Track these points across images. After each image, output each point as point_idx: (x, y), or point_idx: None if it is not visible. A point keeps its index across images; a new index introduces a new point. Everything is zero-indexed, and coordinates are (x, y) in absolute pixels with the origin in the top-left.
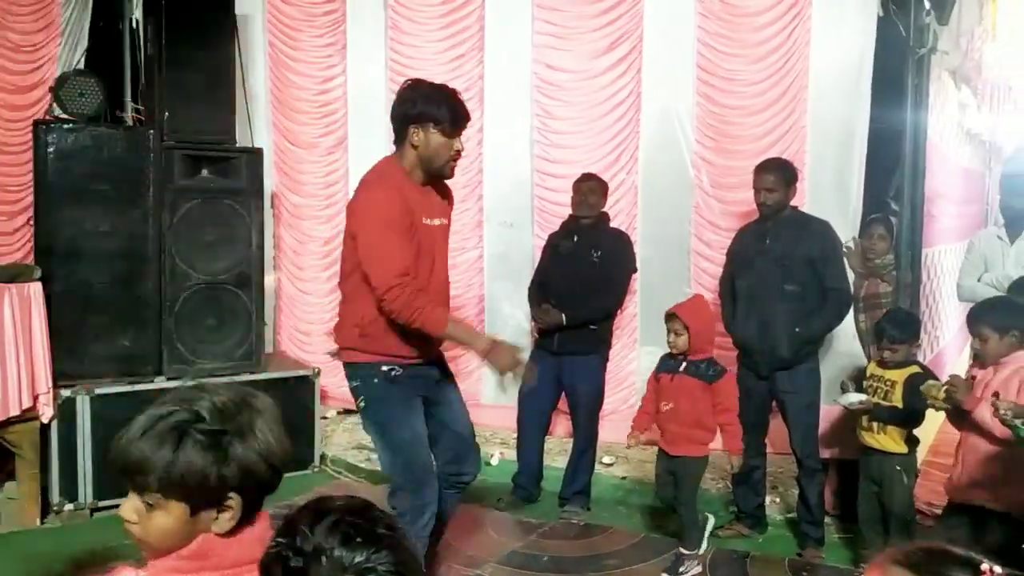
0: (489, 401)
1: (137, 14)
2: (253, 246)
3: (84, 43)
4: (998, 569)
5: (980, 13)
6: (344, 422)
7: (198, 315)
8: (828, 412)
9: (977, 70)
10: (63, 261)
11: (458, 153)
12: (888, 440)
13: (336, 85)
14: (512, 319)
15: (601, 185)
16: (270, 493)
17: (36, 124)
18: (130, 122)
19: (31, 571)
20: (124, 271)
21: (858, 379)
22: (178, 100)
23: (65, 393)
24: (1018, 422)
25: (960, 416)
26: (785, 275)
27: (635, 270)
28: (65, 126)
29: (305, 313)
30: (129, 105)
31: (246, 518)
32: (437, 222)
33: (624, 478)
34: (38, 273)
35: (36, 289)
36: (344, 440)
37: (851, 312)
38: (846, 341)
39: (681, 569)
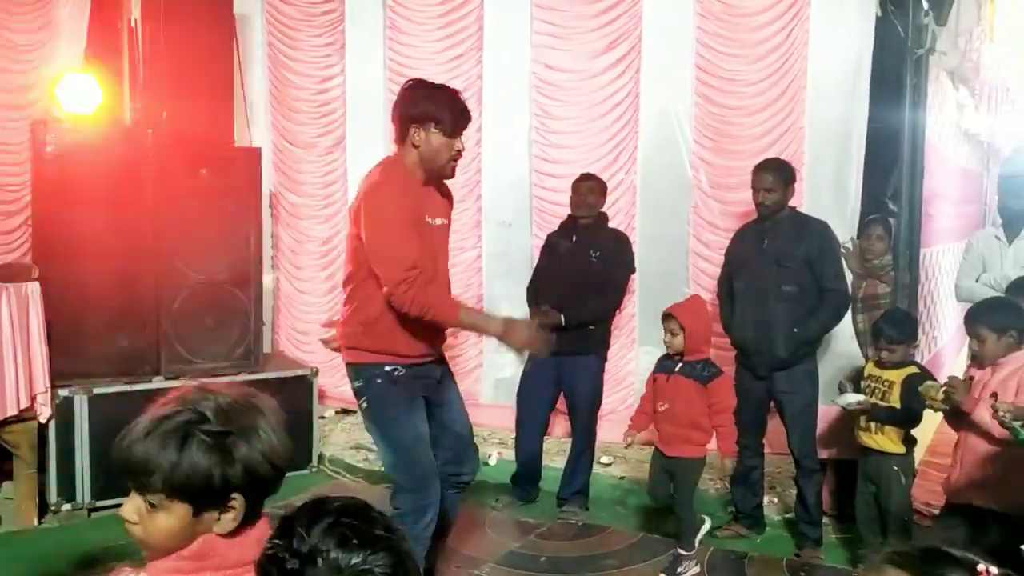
0: (487, 401)
1: (136, 13)
2: (251, 246)
3: (82, 42)
4: (994, 569)
5: (978, 14)
6: (342, 422)
7: (196, 315)
8: (826, 412)
9: (975, 71)
10: (61, 261)
11: (459, 153)
12: (886, 440)
13: (335, 85)
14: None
15: (600, 185)
16: (272, 494)
17: (34, 124)
18: (128, 122)
19: (29, 571)
20: (122, 271)
21: (856, 379)
22: (176, 100)
23: (63, 393)
24: (1017, 424)
25: (958, 417)
26: (783, 275)
27: (634, 270)
28: (64, 126)
29: (303, 313)
30: (127, 105)
31: (247, 519)
32: (439, 222)
33: (622, 478)
34: (36, 273)
35: (34, 289)
36: (342, 440)
37: (849, 313)
38: (844, 342)
39: (679, 569)
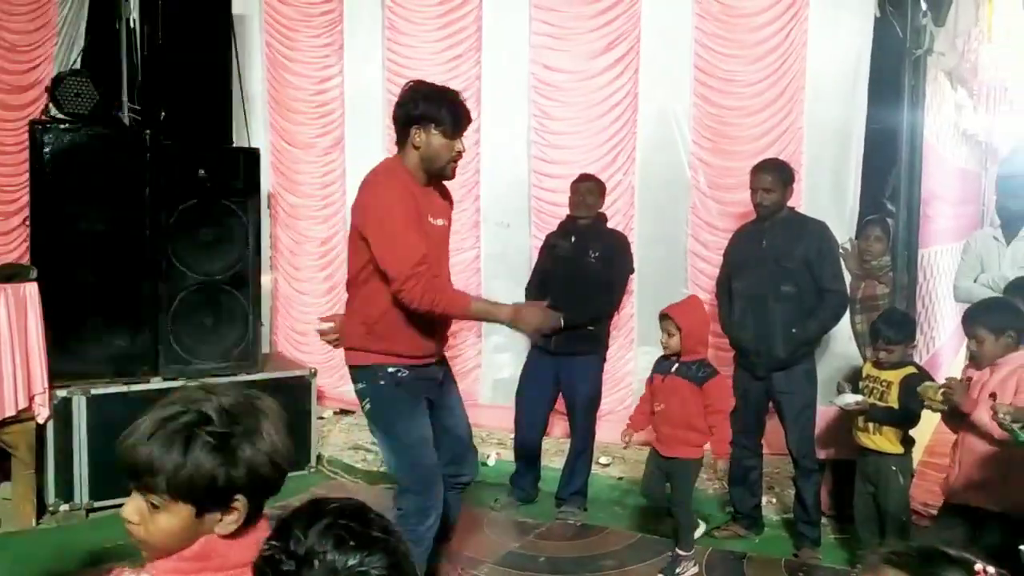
0: (486, 401)
1: (134, 14)
2: (250, 246)
3: (80, 43)
4: (992, 569)
5: (976, 14)
6: (340, 422)
7: (194, 315)
8: (824, 413)
9: (973, 71)
10: (59, 261)
11: (459, 154)
12: (884, 441)
13: (333, 85)
14: None
15: (599, 185)
16: (274, 494)
17: (32, 124)
18: (126, 122)
19: (27, 572)
20: (120, 271)
21: (854, 380)
22: (175, 100)
23: (61, 393)
24: (1016, 426)
25: (956, 417)
26: (782, 276)
27: (632, 271)
28: (61, 126)
29: (302, 313)
30: (126, 105)
31: (248, 520)
32: (440, 222)
33: (621, 479)
34: (34, 273)
35: (32, 289)
36: (340, 440)
37: (847, 313)
38: (843, 342)
39: (677, 570)
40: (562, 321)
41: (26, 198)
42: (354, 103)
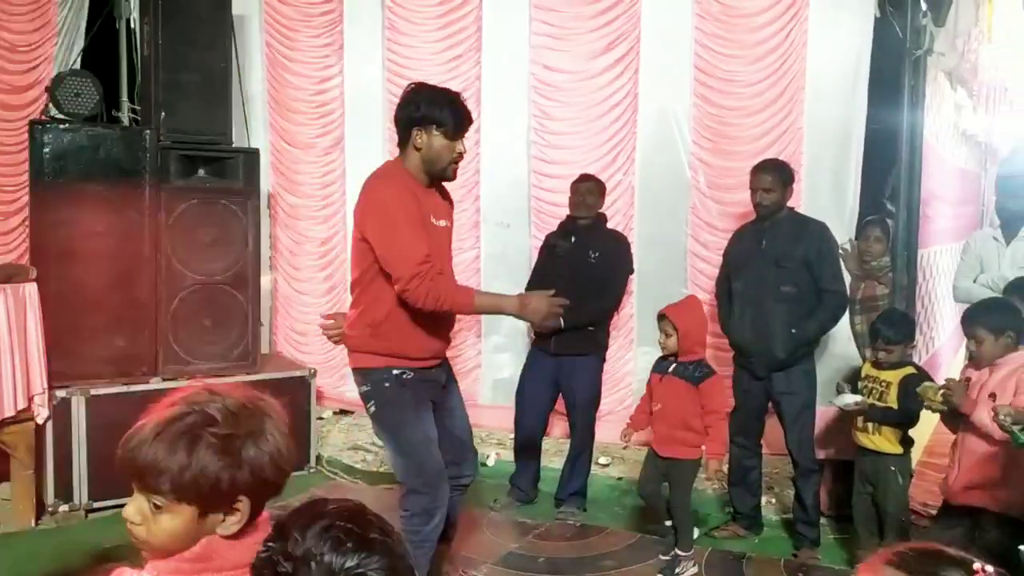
0: (486, 402)
1: (134, 14)
2: (249, 246)
3: (80, 43)
4: (990, 569)
5: (976, 15)
6: (340, 423)
7: (194, 315)
8: (824, 413)
9: (973, 71)
10: (59, 261)
11: (460, 155)
12: (883, 441)
13: (333, 85)
14: (509, 319)
15: (598, 186)
16: (276, 495)
17: (32, 124)
18: (126, 122)
19: (26, 572)
20: (120, 271)
21: (853, 380)
22: (175, 100)
23: (60, 394)
24: (1017, 428)
25: (956, 418)
26: (781, 276)
27: (632, 271)
28: (61, 126)
29: (301, 314)
30: (125, 105)
31: (249, 520)
32: (443, 223)
33: (620, 479)
34: (34, 273)
35: (31, 290)
36: (340, 441)
37: (847, 314)
38: (842, 343)
39: (677, 570)
40: (562, 322)
41: (26, 198)
42: (354, 103)
